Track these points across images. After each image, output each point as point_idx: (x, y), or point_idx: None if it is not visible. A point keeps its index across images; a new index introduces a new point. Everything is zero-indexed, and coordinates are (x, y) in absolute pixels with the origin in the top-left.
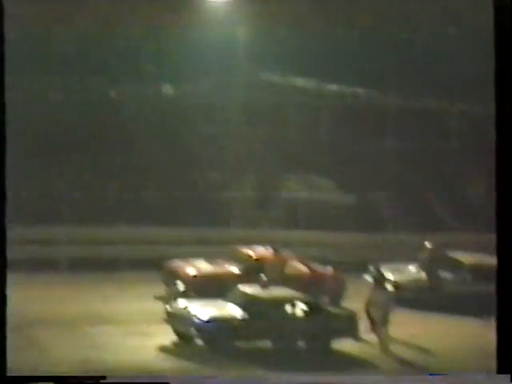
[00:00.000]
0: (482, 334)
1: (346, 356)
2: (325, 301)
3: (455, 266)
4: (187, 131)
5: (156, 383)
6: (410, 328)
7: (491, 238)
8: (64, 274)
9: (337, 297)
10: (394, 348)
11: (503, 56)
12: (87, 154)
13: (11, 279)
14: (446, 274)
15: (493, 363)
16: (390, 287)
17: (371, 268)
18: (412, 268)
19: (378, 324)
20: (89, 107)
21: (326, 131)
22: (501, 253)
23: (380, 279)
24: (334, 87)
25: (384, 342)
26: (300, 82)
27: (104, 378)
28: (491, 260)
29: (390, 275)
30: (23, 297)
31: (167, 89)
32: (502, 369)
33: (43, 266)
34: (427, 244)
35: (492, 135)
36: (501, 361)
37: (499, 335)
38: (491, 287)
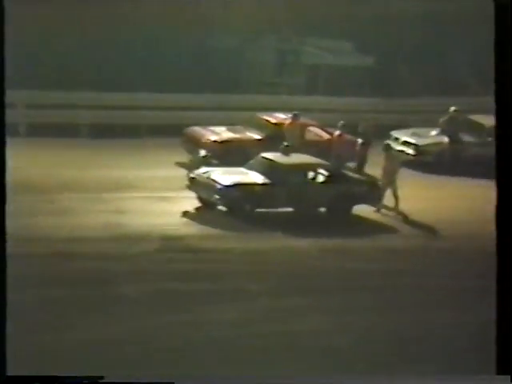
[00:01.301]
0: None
1: (366, 221)
2: (346, 166)
3: (476, 128)
4: None
5: (157, 383)
6: (430, 191)
7: None
8: (84, 140)
9: (358, 163)
10: (411, 212)
11: (503, 56)
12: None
13: (25, 143)
14: (466, 137)
15: None
16: (410, 151)
17: (392, 134)
18: (433, 132)
19: (387, 188)
20: None
21: None
22: (501, 253)
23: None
24: None
25: (396, 206)
26: None
27: (102, 377)
28: None
29: (410, 139)
30: (42, 161)
31: None
32: (501, 369)
33: (63, 130)
34: (450, 108)
35: None
36: (500, 361)
37: (499, 335)
38: None
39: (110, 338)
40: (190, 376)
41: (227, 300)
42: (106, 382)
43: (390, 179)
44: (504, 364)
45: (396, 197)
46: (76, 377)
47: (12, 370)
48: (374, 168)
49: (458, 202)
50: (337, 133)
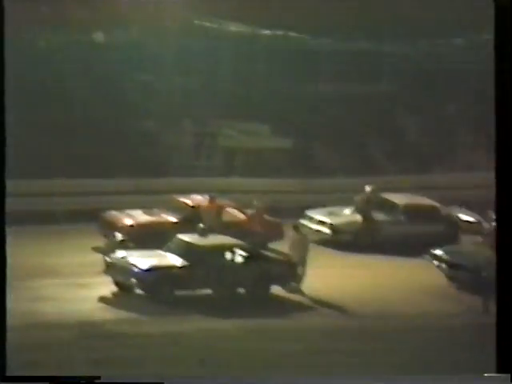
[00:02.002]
0: (415, 273)
1: (284, 301)
2: (262, 246)
3: (389, 207)
4: (121, 80)
5: (151, 383)
6: (346, 270)
7: (424, 178)
8: None
9: (275, 242)
10: (327, 290)
11: (503, 56)
12: (20, 106)
13: None
14: (380, 216)
15: (428, 301)
16: (326, 230)
17: (307, 213)
18: (348, 211)
19: (298, 265)
20: (19, 59)
21: (261, 76)
22: (501, 253)
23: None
24: (267, 31)
25: (300, 283)
26: (233, 26)
27: (99, 378)
28: (424, 200)
29: (325, 218)
30: None
31: (98, 37)
32: (501, 369)
33: None
34: (365, 187)
35: (428, 74)
36: (501, 361)
37: (499, 335)
38: (425, 227)
39: None
40: (179, 376)
41: None
42: (100, 382)
43: (301, 259)
44: (504, 363)
45: (303, 275)
46: (73, 377)
47: None
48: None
49: (373, 281)
50: (251, 212)
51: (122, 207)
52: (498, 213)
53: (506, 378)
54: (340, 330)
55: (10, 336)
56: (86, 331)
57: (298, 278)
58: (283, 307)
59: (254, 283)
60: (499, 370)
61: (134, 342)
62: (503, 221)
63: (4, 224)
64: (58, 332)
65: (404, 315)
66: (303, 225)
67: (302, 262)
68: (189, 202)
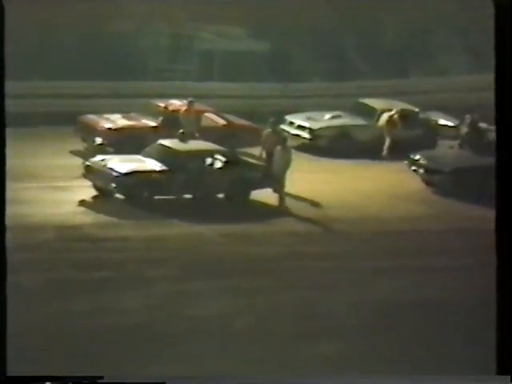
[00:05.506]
0: (392, 178)
1: (263, 206)
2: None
3: (367, 112)
4: None
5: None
6: (323, 174)
7: (400, 83)
8: None
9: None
10: (305, 195)
11: (503, 56)
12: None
13: None
14: (358, 121)
15: (404, 205)
16: (306, 135)
17: (287, 118)
18: (327, 116)
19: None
20: None
21: None
22: (500, 255)
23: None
24: None
25: (282, 193)
26: None
27: (102, 377)
28: (401, 105)
29: (305, 123)
30: None
31: None
32: (501, 369)
33: None
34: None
35: None
36: (501, 361)
37: (499, 335)
38: (403, 132)
39: (9, 330)
40: (181, 377)
41: (127, 287)
42: (103, 382)
43: (281, 172)
44: (504, 364)
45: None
46: (75, 377)
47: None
48: None
49: (350, 185)
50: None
51: (98, 111)
52: (498, 212)
53: (506, 378)
54: (317, 233)
55: None
56: (66, 234)
57: (279, 191)
58: (262, 212)
59: (233, 188)
60: (499, 370)
61: (113, 245)
62: (502, 222)
63: None
64: (37, 234)
65: (380, 219)
66: (285, 131)
67: (281, 174)
68: (167, 106)
